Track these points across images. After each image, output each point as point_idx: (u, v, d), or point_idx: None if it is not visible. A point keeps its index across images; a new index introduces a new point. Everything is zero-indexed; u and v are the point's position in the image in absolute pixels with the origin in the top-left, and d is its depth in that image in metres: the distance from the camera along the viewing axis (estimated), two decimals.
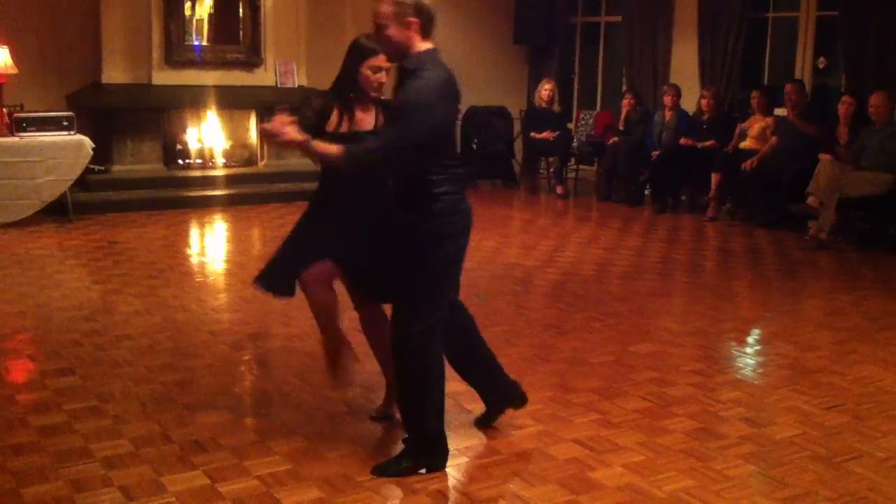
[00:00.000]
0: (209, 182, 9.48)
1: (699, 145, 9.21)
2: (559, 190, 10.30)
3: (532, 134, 10.47)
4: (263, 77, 9.77)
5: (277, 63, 9.80)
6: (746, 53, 9.70)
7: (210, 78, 9.42)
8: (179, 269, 6.74)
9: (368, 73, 3.55)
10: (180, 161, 9.63)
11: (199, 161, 9.71)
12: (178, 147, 9.65)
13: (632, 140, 9.77)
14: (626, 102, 10.03)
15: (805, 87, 8.79)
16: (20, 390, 4.20)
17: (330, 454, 3.54)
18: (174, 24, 9.22)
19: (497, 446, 3.66)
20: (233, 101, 9.60)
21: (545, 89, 10.39)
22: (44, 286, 6.02)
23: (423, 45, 3.23)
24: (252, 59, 9.68)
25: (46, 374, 4.38)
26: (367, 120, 3.60)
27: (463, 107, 10.60)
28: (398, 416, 3.61)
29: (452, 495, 3.28)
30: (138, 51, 9.14)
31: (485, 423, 3.81)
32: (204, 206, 9.00)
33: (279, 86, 9.78)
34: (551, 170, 10.81)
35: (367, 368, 4.08)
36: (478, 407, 3.87)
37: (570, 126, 11.09)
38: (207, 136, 9.75)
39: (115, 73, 9.09)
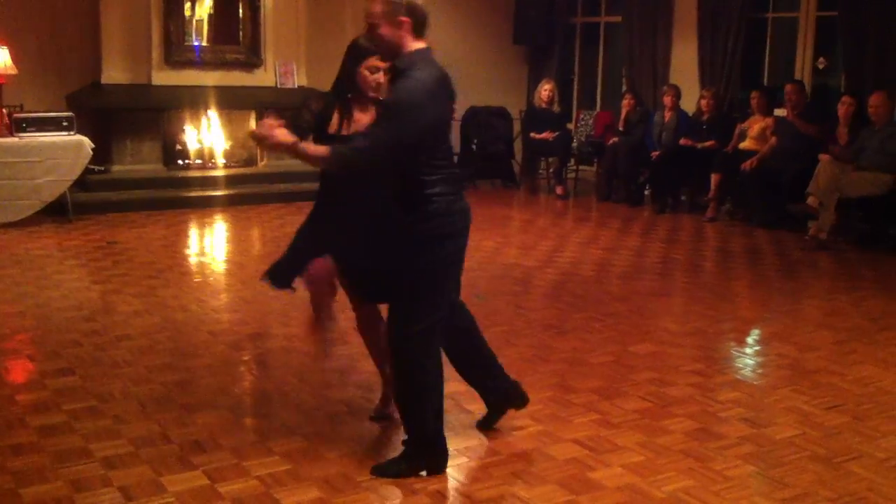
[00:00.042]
0: (209, 182, 9.48)
1: (699, 146, 9.21)
2: (559, 190, 10.30)
3: (532, 134, 10.47)
4: (263, 77, 9.78)
5: (277, 63, 9.81)
6: (746, 54, 9.70)
7: (210, 78, 9.43)
8: (179, 270, 6.74)
9: (366, 73, 3.56)
10: (180, 161, 9.63)
11: (198, 161, 9.71)
12: (178, 147, 9.65)
13: (631, 140, 9.77)
14: (625, 103, 10.03)
15: (805, 88, 8.79)
16: (20, 390, 4.20)
17: (329, 454, 3.54)
18: (174, 24, 9.23)
19: (497, 447, 3.66)
20: (232, 102, 9.61)
21: (545, 89, 10.39)
22: (43, 286, 6.02)
23: (416, 45, 3.22)
24: (252, 60, 9.69)
25: (46, 374, 4.38)
26: (365, 120, 3.59)
27: (463, 107, 10.63)
28: (397, 415, 3.61)
29: (452, 495, 3.28)
30: (138, 51, 9.15)
31: (486, 426, 3.80)
32: (203, 207, 9.00)
33: (279, 86, 9.79)
34: (551, 170, 10.81)
35: (366, 369, 4.08)
36: (478, 407, 3.87)
37: (570, 126, 11.10)
38: (207, 136, 9.75)
39: (114, 73, 9.09)
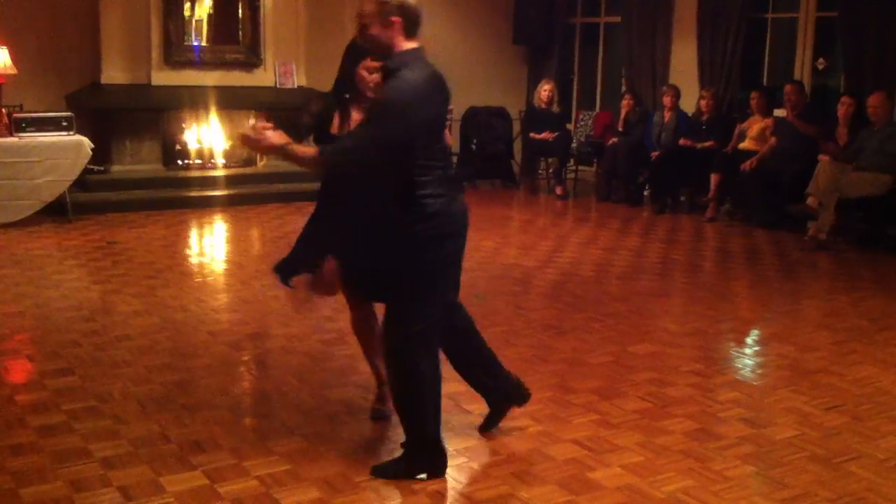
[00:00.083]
0: (208, 182, 9.48)
1: (698, 146, 9.21)
2: (558, 190, 10.30)
3: (531, 134, 10.47)
4: (263, 77, 9.77)
5: (277, 63, 9.81)
6: (746, 54, 9.69)
7: (209, 78, 9.42)
8: (178, 270, 6.74)
9: (364, 73, 3.56)
10: (179, 161, 9.63)
11: (198, 161, 9.70)
12: (178, 147, 9.64)
13: (631, 140, 9.77)
14: (625, 103, 10.03)
15: (804, 88, 8.79)
16: (19, 390, 4.20)
17: (329, 454, 3.54)
18: (173, 24, 9.23)
19: (496, 447, 3.67)
20: (232, 102, 9.60)
21: (544, 90, 10.39)
22: (43, 286, 6.01)
23: (408, 45, 3.22)
24: (251, 60, 9.69)
25: (45, 374, 4.38)
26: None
27: (462, 107, 10.64)
28: (395, 414, 3.61)
29: (451, 496, 3.28)
30: (137, 51, 9.14)
31: (488, 427, 3.78)
32: (203, 207, 9.00)
33: (278, 86, 9.79)
34: (550, 170, 10.81)
35: (366, 369, 4.08)
36: (477, 407, 3.87)
37: (570, 126, 11.09)
38: (206, 136, 9.75)
39: (114, 73, 9.09)
